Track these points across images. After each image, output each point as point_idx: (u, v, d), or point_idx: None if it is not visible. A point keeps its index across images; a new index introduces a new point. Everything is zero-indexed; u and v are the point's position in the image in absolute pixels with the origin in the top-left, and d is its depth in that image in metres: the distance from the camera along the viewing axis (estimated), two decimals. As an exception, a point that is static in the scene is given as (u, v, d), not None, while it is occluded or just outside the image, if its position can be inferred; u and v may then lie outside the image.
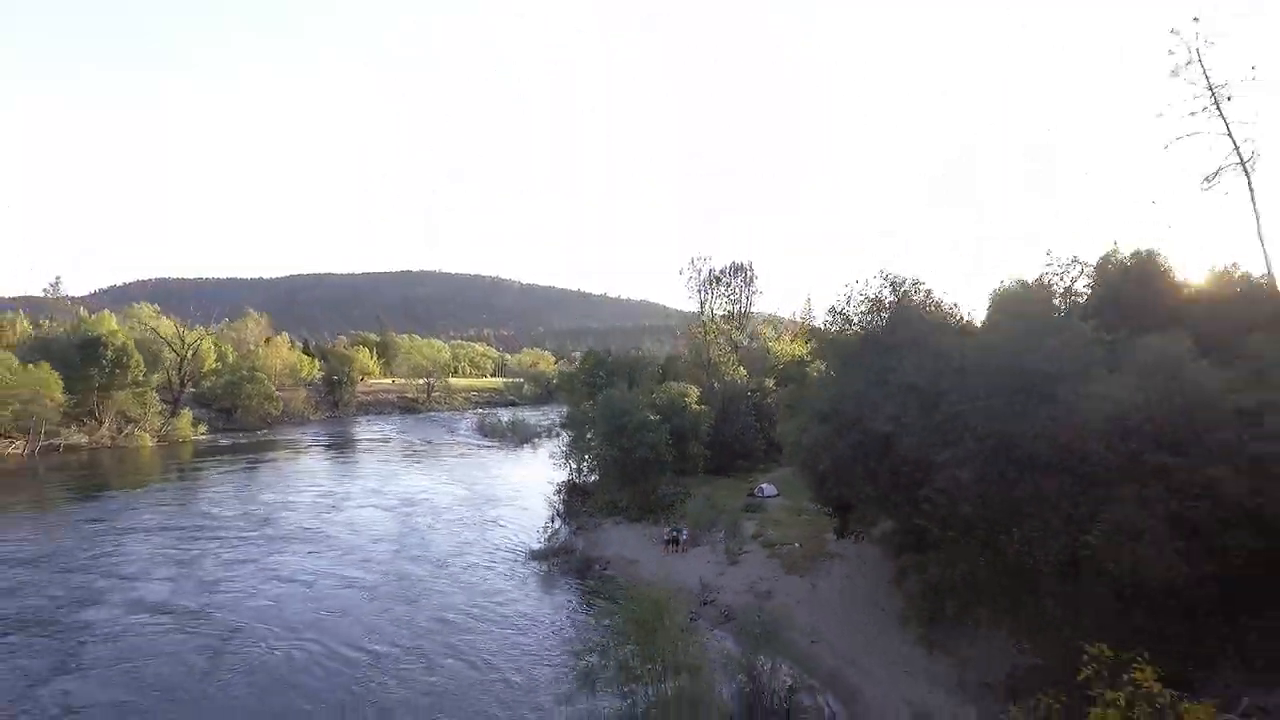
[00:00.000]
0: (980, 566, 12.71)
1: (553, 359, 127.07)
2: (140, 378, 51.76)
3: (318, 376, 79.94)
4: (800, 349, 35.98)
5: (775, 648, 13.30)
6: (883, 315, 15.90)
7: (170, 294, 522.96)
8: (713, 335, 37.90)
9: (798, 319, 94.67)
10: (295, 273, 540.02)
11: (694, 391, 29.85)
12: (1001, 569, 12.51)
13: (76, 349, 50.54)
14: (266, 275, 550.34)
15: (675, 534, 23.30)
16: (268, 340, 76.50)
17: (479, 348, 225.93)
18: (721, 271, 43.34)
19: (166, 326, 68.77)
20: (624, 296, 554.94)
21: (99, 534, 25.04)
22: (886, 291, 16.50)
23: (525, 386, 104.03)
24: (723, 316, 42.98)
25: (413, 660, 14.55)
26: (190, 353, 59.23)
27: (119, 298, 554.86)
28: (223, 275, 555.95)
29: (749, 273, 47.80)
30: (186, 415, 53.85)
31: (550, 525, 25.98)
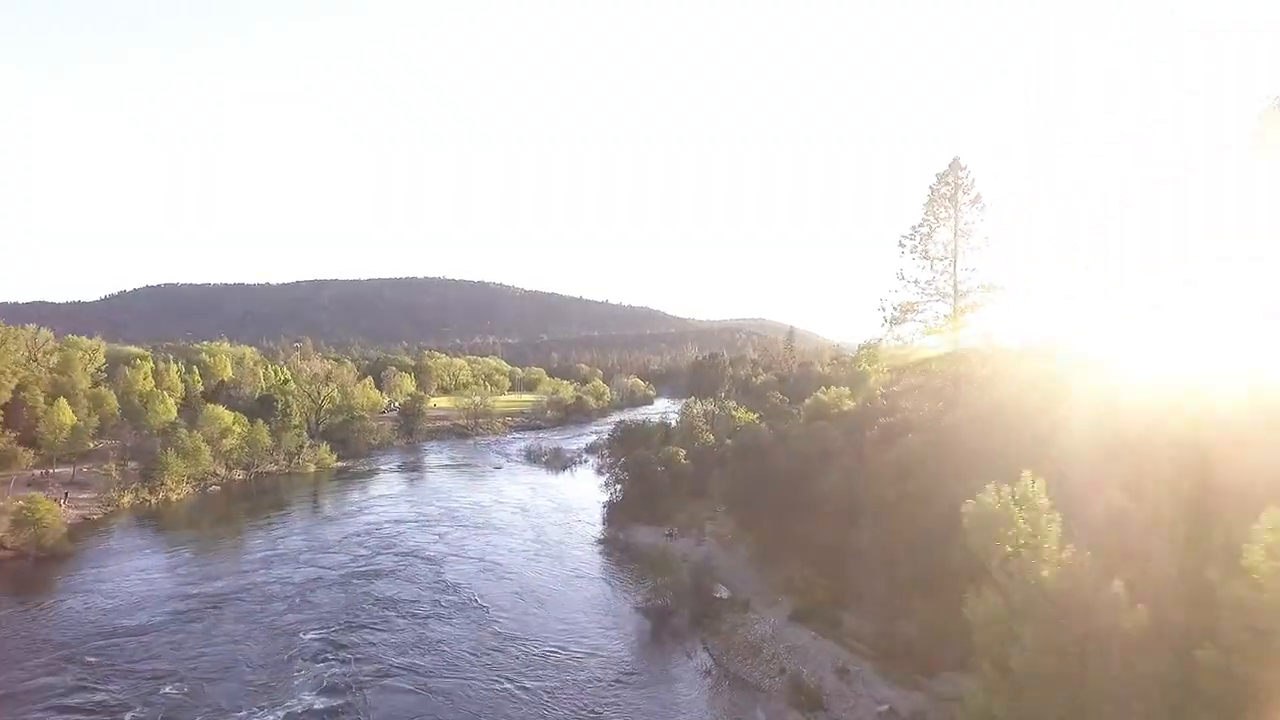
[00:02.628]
0: (776, 539, 37.00)
1: (571, 386, 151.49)
2: (297, 422, 76.15)
3: (393, 408, 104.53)
4: (750, 417, 60.37)
5: (709, 573, 37.56)
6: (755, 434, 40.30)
7: (178, 298, 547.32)
8: (697, 412, 62.39)
9: (780, 343, 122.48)
10: (300, 278, 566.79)
11: (681, 451, 54.12)
12: (784, 540, 36.60)
13: (258, 403, 75.00)
14: (273, 281, 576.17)
15: (671, 531, 47.61)
16: (361, 382, 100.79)
17: (492, 362, 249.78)
18: (703, 359, 67.70)
19: (278, 371, 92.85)
20: (625, 303, 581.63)
21: (374, 522, 49.37)
22: (759, 430, 40.87)
23: (549, 412, 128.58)
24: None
25: (569, 575, 38.91)
26: (325, 401, 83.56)
27: (130, 302, 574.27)
28: (230, 281, 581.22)
29: (723, 357, 72.39)
30: (325, 447, 78.01)
31: (604, 525, 50.28)
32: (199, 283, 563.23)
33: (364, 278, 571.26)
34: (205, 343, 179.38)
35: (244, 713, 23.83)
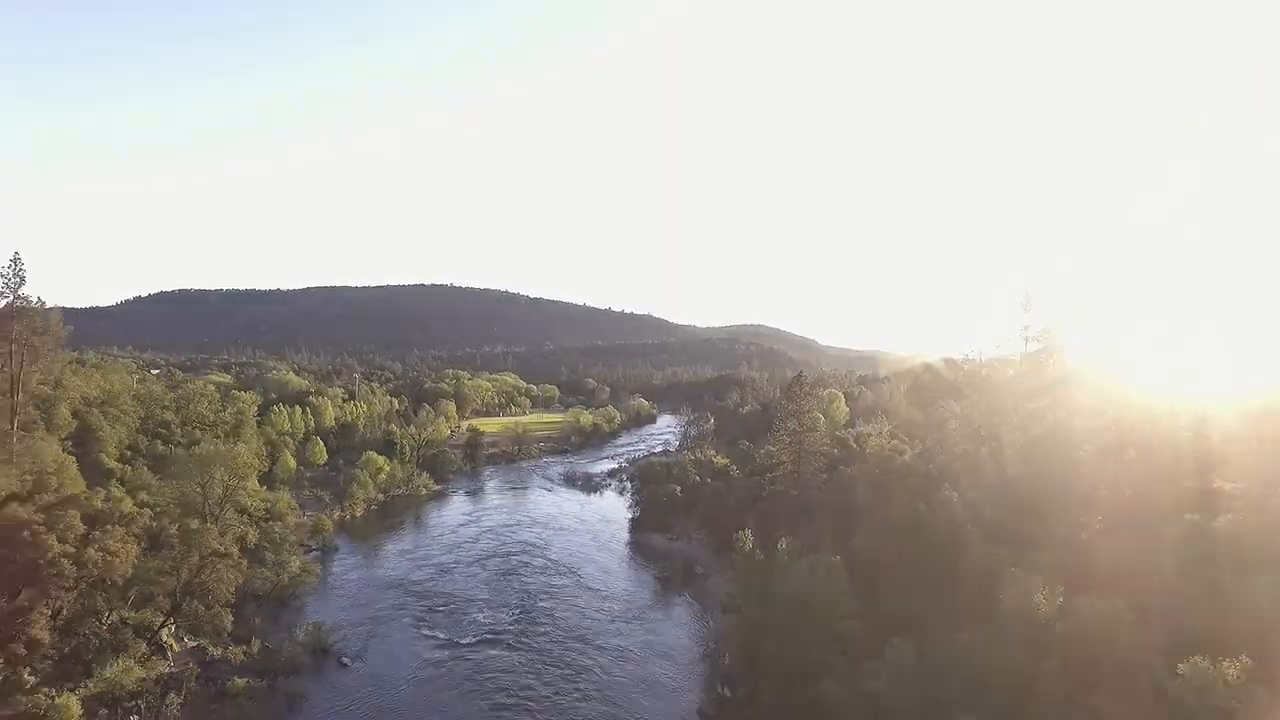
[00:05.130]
0: (728, 541, 72.82)
1: (589, 414, 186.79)
2: (409, 457, 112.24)
3: (453, 436, 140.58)
4: (724, 461, 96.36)
5: (692, 560, 73.48)
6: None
7: (193, 304, 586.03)
8: (689, 459, 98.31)
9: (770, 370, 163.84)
10: (311, 285, 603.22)
11: (678, 487, 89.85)
12: (732, 542, 72.25)
13: (382, 444, 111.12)
14: (284, 287, 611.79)
15: (672, 536, 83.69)
16: (437, 422, 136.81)
17: (510, 379, 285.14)
18: (692, 419, 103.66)
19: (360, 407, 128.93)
20: (628, 310, 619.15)
21: (491, 525, 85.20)
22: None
23: (572, 438, 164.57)
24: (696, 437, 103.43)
25: (617, 560, 74.98)
26: (423, 440, 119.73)
27: (145, 307, 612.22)
28: (241, 287, 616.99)
29: (708, 416, 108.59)
30: (424, 475, 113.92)
31: (630, 533, 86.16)
32: (212, 289, 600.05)
33: (373, 284, 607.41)
34: (275, 372, 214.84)
35: (495, 607, 59.66)
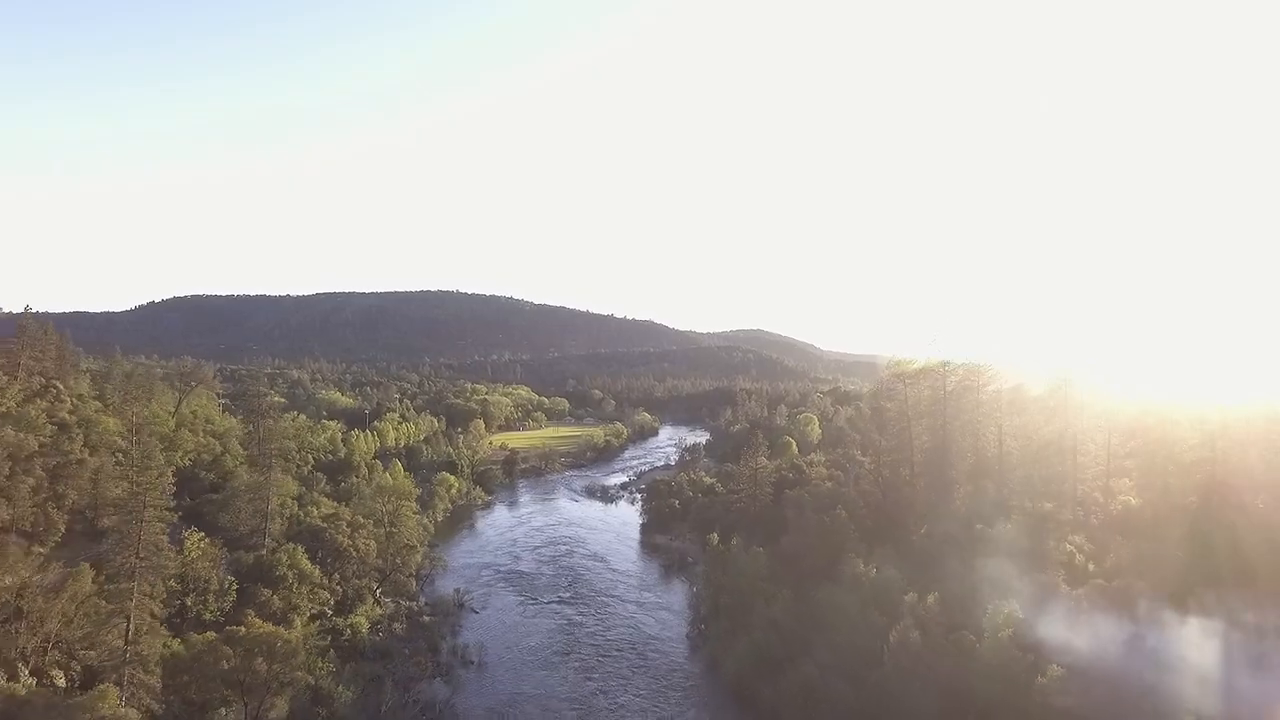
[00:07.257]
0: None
1: (601, 430, 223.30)
2: (467, 474, 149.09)
3: (496, 454, 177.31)
4: (711, 480, 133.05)
5: (686, 553, 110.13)
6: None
7: (205, 310, 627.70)
8: (684, 479, 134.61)
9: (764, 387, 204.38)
10: (321, 290, 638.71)
11: (676, 500, 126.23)
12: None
13: (444, 465, 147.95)
14: (294, 293, 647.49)
15: (673, 536, 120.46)
16: (481, 443, 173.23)
17: (523, 393, 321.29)
18: (689, 448, 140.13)
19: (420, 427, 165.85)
20: (630, 316, 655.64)
21: (538, 525, 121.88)
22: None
23: (587, 453, 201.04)
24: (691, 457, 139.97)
25: (635, 554, 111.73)
26: (476, 459, 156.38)
27: (157, 312, 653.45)
28: (252, 292, 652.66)
29: (701, 448, 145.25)
30: (477, 488, 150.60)
31: (641, 534, 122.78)
32: (224, 294, 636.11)
33: (380, 290, 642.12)
34: (323, 392, 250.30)
35: (555, 578, 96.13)
